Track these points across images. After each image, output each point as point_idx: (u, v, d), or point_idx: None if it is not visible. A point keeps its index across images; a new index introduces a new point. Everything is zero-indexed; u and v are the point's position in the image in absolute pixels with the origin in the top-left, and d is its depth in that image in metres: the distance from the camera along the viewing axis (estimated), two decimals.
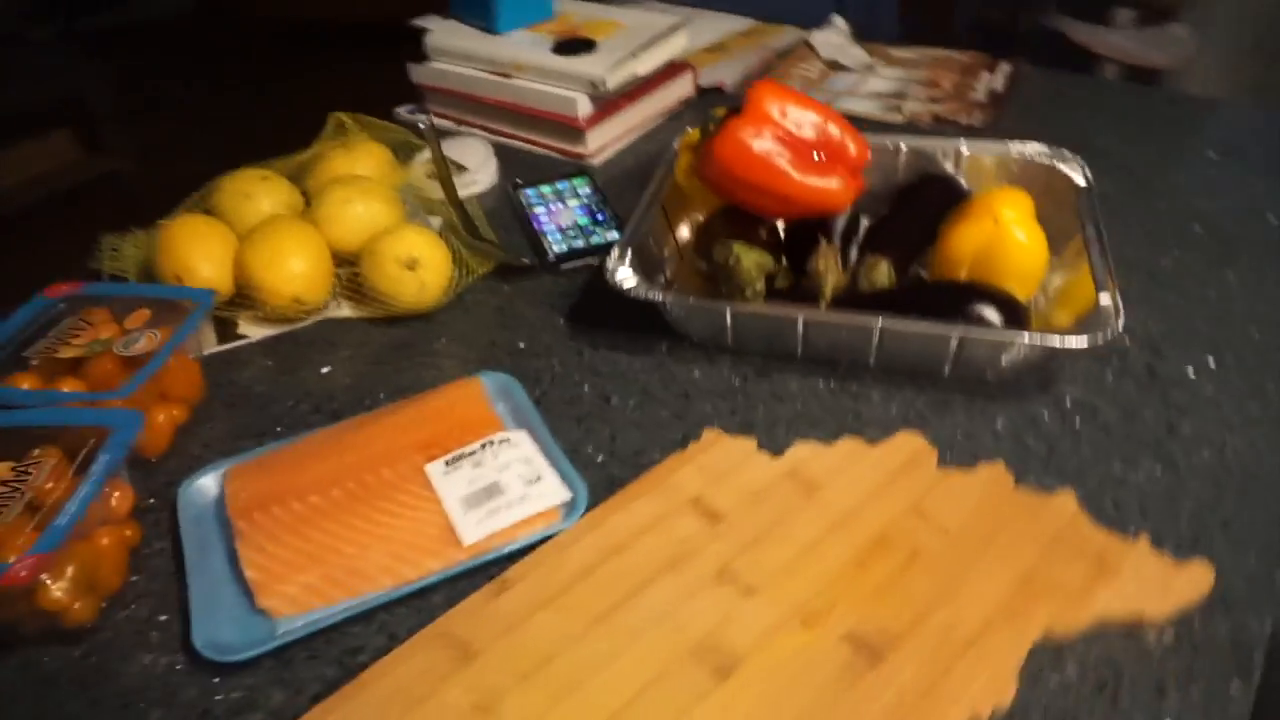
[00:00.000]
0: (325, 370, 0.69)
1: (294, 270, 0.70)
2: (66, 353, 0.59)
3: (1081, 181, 0.72)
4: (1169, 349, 0.66)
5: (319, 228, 0.74)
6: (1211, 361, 0.65)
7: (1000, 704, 0.44)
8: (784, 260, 0.68)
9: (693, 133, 0.80)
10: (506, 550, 0.52)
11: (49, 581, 0.47)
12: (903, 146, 0.78)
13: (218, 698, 0.47)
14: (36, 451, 0.51)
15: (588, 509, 0.54)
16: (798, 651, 0.46)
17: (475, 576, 0.52)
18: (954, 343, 0.60)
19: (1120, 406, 0.61)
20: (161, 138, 2.88)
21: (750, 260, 0.61)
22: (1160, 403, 0.61)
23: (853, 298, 0.66)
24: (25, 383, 0.57)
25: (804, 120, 0.65)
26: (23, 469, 0.50)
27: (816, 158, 0.65)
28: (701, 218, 0.77)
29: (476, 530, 0.52)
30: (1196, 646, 0.47)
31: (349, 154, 0.82)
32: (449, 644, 0.47)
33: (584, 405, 0.64)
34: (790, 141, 0.65)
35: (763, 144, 0.64)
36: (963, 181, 0.76)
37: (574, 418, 0.63)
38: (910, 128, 0.96)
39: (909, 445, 0.57)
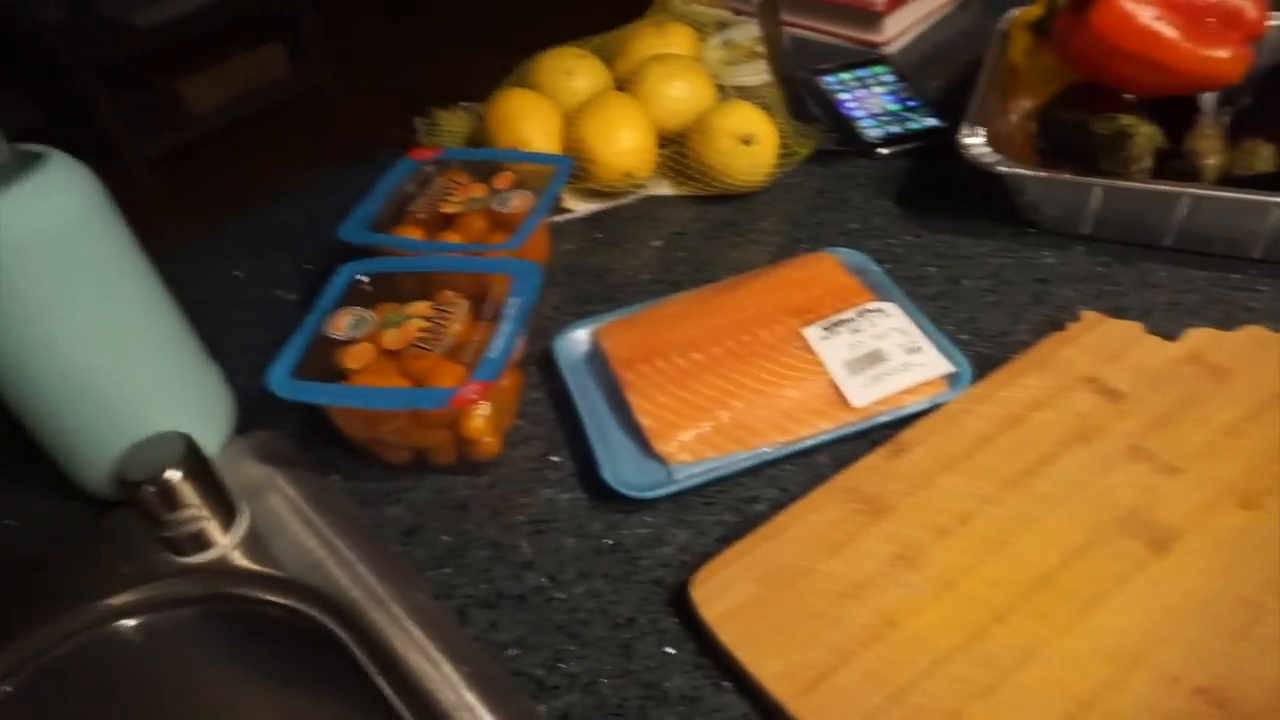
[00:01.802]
0: (657, 244, 0.70)
1: (626, 144, 0.71)
2: (447, 208, 0.61)
3: None
4: None
5: (643, 104, 0.74)
6: None
7: None
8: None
9: (1031, 9, 0.75)
10: (896, 415, 0.51)
11: (478, 410, 0.50)
12: (1275, 21, 0.70)
13: (624, 531, 0.49)
14: (448, 294, 0.54)
15: (971, 383, 0.53)
16: (1241, 530, 0.43)
17: (862, 440, 0.52)
18: None
19: None
20: (365, 48, 3.00)
21: (1144, 133, 0.57)
22: None
23: (1234, 180, 0.61)
24: (414, 233, 0.61)
25: None
26: (441, 306, 0.53)
27: (1209, 24, 0.60)
28: (1028, 104, 0.72)
29: (864, 394, 0.52)
30: None
31: (661, 33, 0.81)
32: (857, 498, 0.47)
33: (932, 285, 0.62)
34: (1180, 5, 0.59)
35: (1148, 10, 0.59)
36: None
37: (926, 297, 0.61)
38: None
39: None
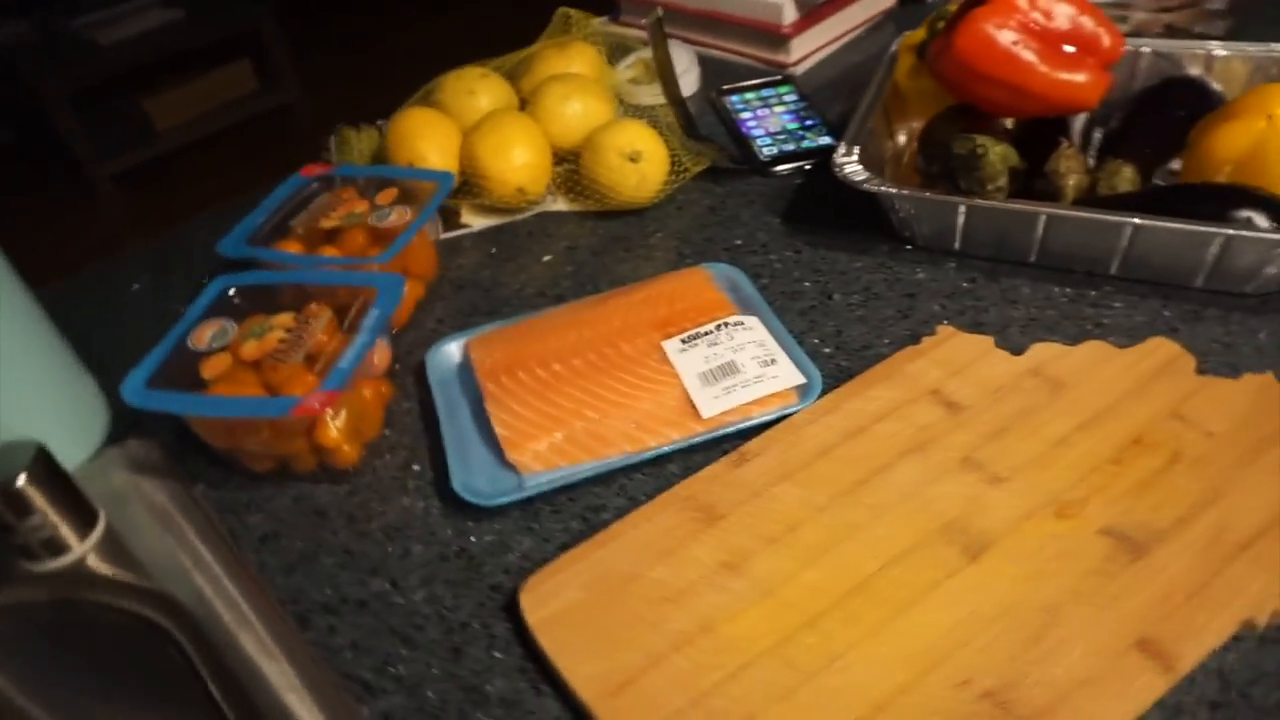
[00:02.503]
0: (547, 259, 0.71)
1: (519, 160, 0.72)
2: (326, 223, 0.63)
3: None
4: None
5: (540, 123, 0.75)
6: None
7: None
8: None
9: (915, 33, 0.77)
10: (744, 425, 0.53)
11: (330, 419, 0.51)
12: (1143, 49, 0.73)
13: (472, 539, 0.50)
14: (312, 306, 0.55)
15: (821, 394, 0.54)
16: (1053, 539, 0.45)
17: (711, 449, 0.53)
18: (1215, 248, 0.56)
19: None
20: (328, 70, 3.02)
21: (997, 153, 0.59)
22: None
23: (1094, 201, 0.63)
24: (292, 247, 0.62)
25: (1055, 10, 0.61)
26: (303, 319, 0.54)
27: (1067, 50, 0.62)
28: (918, 125, 0.74)
29: (714, 405, 0.53)
30: None
31: (563, 53, 0.83)
32: (694, 506, 0.48)
33: (806, 300, 0.63)
34: (1038, 32, 0.61)
35: (1008, 35, 0.61)
36: (1215, 86, 0.70)
37: (797, 311, 0.62)
38: (1137, 38, 0.89)
39: (1162, 350, 0.54)
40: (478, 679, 0.44)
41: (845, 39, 0.96)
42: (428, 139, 0.74)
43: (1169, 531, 0.45)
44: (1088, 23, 0.62)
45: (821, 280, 0.65)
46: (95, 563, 0.50)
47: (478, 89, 0.79)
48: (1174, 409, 0.50)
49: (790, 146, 0.78)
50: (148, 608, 0.48)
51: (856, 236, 0.68)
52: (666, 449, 0.52)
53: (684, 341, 0.56)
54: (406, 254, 0.63)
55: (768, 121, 0.82)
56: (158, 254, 0.77)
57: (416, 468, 0.55)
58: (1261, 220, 0.56)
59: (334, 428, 0.51)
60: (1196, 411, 0.50)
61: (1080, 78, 0.62)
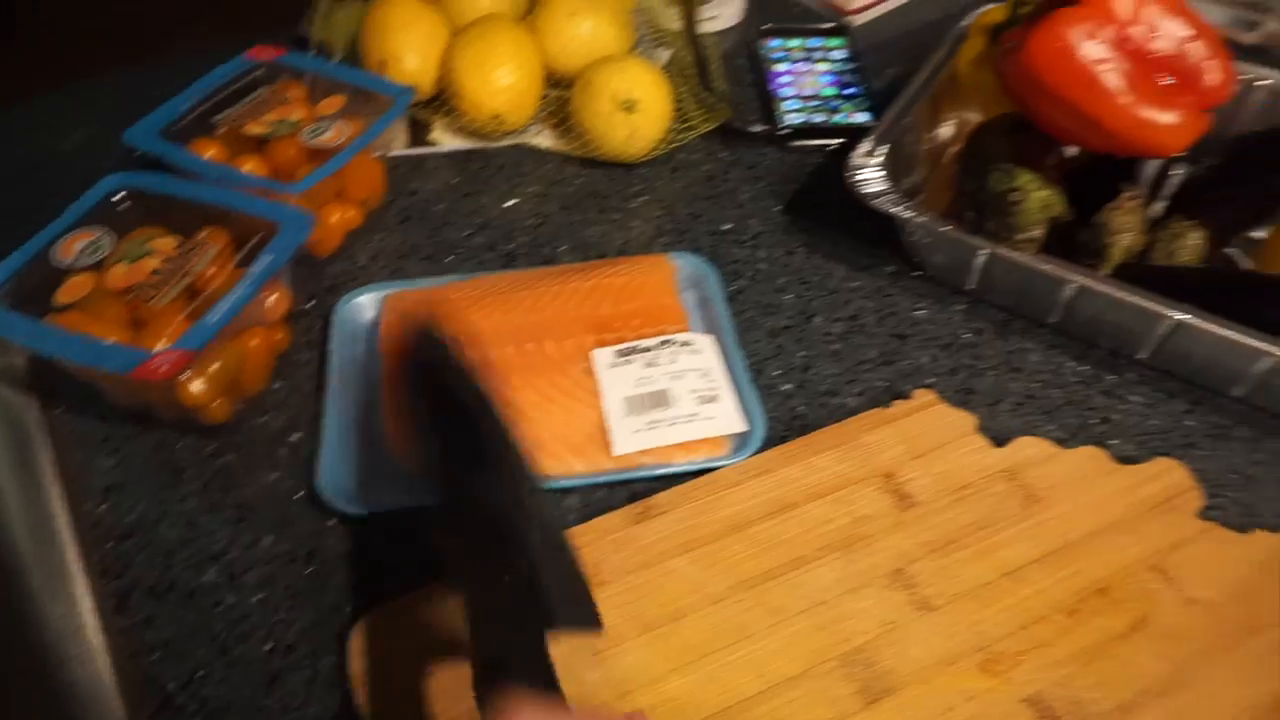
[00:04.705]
0: (510, 203, 0.62)
1: (501, 82, 0.62)
2: (253, 129, 0.54)
3: None
4: None
5: (538, 39, 0.65)
6: None
7: None
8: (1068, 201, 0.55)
9: (995, 10, 0.65)
10: (658, 472, 0.46)
11: (188, 378, 0.44)
12: (1256, 82, 0.60)
13: (330, 542, 0.44)
14: (204, 233, 0.48)
15: (761, 448, 0.46)
16: (967, 699, 0.38)
17: (618, 490, 0.46)
18: (1264, 364, 0.47)
19: None
20: None
21: (1037, 199, 0.49)
22: None
23: (1141, 268, 0.53)
24: (209, 151, 0.54)
25: (1162, 28, 0.50)
26: (189, 247, 0.47)
27: (1162, 82, 0.50)
28: (976, 119, 0.63)
29: (632, 440, 0.46)
30: None
31: None
32: None
33: (783, 316, 0.55)
34: (1132, 52, 0.50)
35: (1093, 48, 0.50)
36: None
37: (767, 329, 0.54)
38: (1263, 54, 0.76)
39: (1166, 476, 0.46)
40: (288, 716, 0.39)
41: None
42: (406, 36, 0.64)
43: (1107, 717, 0.38)
44: (1198, 50, 0.51)
45: (807, 294, 0.56)
46: None
47: None
48: (1158, 559, 0.42)
49: (819, 118, 0.68)
50: None
51: (862, 247, 0.59)
52: (566, 483, 0.45)
53: (618, 354, 0.48)
54: (343, 176, 0.55)
55: (804, 80, 0.71)
56: (55, 105, 0.69)
57: (294, 438, 0.48)
58: None
59: (195, 386, 0.45)
60: (1184, 568, 0.42)
61: (1169, 118, 0.51)
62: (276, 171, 0.54)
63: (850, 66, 0.73)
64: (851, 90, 0.70)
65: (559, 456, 0.45)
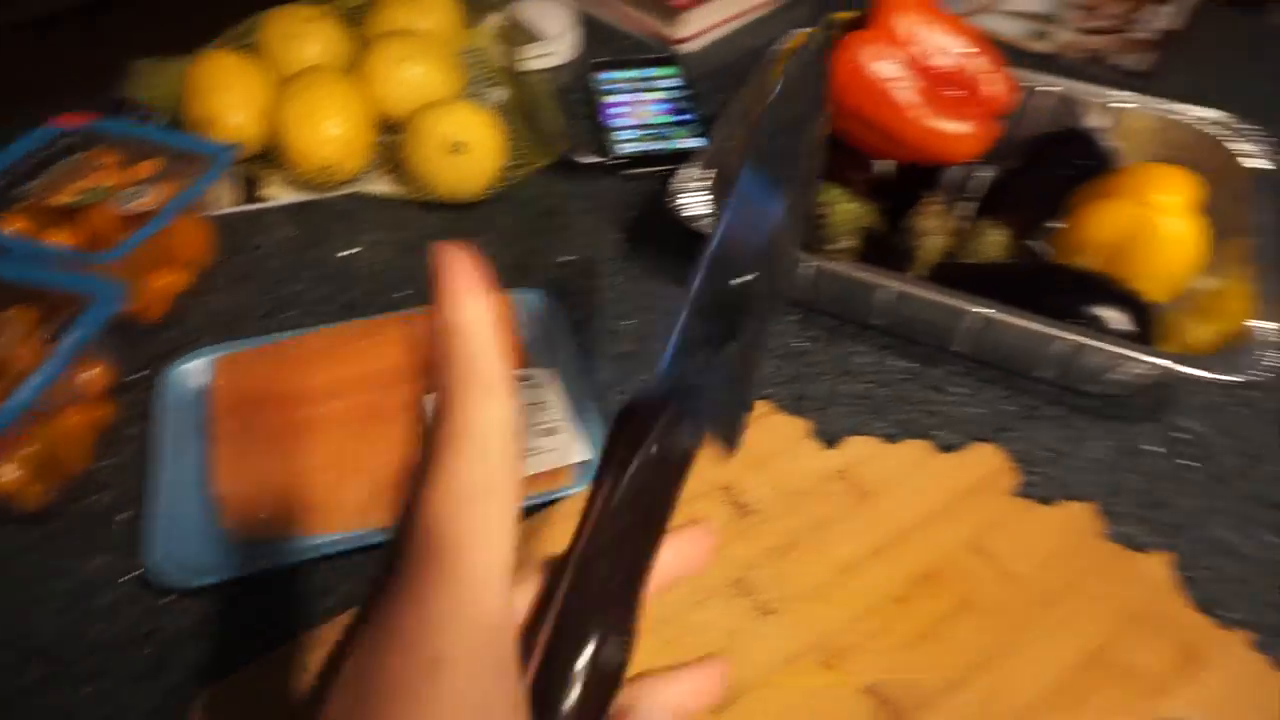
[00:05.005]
0: (350, 252, 0.62)
1: (329, 133, 0.62)
2: (60, 199, 0.53)
3: (1265, 163, 0.59)
4: None
5: (367, 86, 0.65)
6: None
7: None
8: (880, 209, 0.58)
9: (801, 35, 0.68)
10: None
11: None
12: (1042, 89, 0.65)
13: (166, 621, 0.43)
14: (10, 312, 0.46)
15: None
16: (810, 694, 0.40)
17: None
18: (1059, 346, 0.51)
19: (1244, 453, 0.52)
20: None
21: (844, 212, 0.52)
22: None
23: (953, 267, 0.56)
24: (13, 225, 0.52)
25: (944, 46, 0.54)
26: None
27: (949, 94, 0.54)
28: None
29: None
30: None
31: (415, 2, 0.72)
32: None
33: (623, 344, 0.56)
34: (921, 70, 0.54)
35: (885, 69, 0.53)
36: (1111, 143, 0.64)
37: (610, 356, 0.55)
38: (1053, 62, 0.82)
39: (985, 461, 0.49)
40: None
41: (748, 17, 0.86)
42: (229, 94, 0.63)
43: (937, 696, 0.40)
44: (980, 65, 0.55)
45: (648, 318, 0.58)
46: None
47: (305, 33, 0.68)
48: (978, 540, 0.45)
49: (652, 146, 0.70)
50: None
51: None
52: None
53: None
54: (165, 239, 0.54)
55: (638, 110, 0.73)
56: None
57: (123, 516, 0.47)
58: (1117, 320, 0.51)
59: (5, 473, 0.43)
60: (1001, 545, 0.45)
61: (959, 128, 0.55)
62: (92, 240, 0.52)
63: (682, 94, 0.75)
64: (684, 117, 0.73)
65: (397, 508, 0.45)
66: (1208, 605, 0.44)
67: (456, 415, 0.21)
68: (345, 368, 0.50)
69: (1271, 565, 0.46)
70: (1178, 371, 0.48)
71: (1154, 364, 0.48)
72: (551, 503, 0.46)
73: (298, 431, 0.47)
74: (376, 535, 0.44)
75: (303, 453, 0.46)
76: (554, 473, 0.47)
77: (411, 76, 0.66)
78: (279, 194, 0.66)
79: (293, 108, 0.62)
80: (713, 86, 0.77)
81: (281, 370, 0.50)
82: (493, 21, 0.77)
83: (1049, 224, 0.61)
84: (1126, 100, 0.63)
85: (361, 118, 0.64)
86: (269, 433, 0.47)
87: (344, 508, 0.45)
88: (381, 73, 0.66)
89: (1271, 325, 0.48)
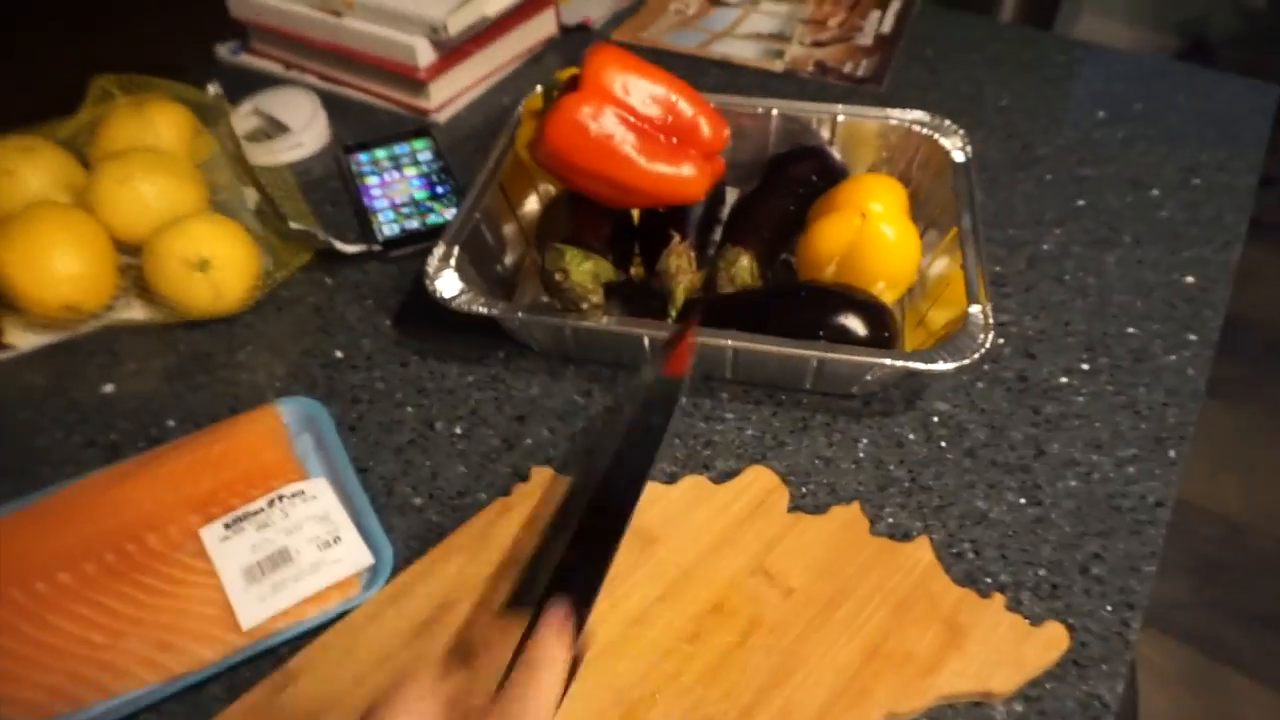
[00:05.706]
0: (107, 390, 0.59)
1: (62, 271, 0.59)
2: None
3: (960, 157, 0.66)
4: (1044, 351, 0.61)
5: (95, 213, 0.63)
6: (1085, 364, 0.61)
7: None
8: (634, 256, 0.61)
9: (537, 95, 0.71)
10: (293, 633, 0.45)
11: None
12: (774, 112, 0.70)
13: None
14: None
15: (394, 574, 0.47)
16: None
17: (261, 662, 0.45)
18: (812, 363, 0.54)
19: (989, 424, 0.57)
20: None
21: (582, 273, 0.54)
22: (1030, 418, 0.57)
23: (710, 300, 0.59)
24: None
25: (651, 96, 0.56)
26: None
27: (666, 140, 0.57)
28: (554, 189, 0.68)
29: (258, 610, 0.45)
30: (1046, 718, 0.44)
31: (139, 116, 0.69)
32: None
33: (404, 433, 0.56)
34: (636, 122, 0.56)
35: (603, 124, 0.56)
36: (837, 154, 0.69)
37: (392, 449, 0.55)
38: (790, 79, 0.88)
39: (758, 483, 0.52)
40: None
41: (497, 76, 0.88)
42: None
43: None
44: (686, 110, 0.58)
45: (425, 404, 0.58)
46: None
47: (19, 167, 0.65)
48: (758, 562, 0.48)
49: (414, 224, 0.70)
50: None
51: (474, 340, 0.62)
52: (199, 675, 0.44)
53: (227, 526, 0.47)
54: None
55: (395, 188, 0.73)
56: None
57: None
58: (857, 327, 0.55)
59: None
60: (780, 563, 0.48)
61: (684, 170, 0.58)
62: None
63: (437, 166, 0.76)
64: (442, 189, 0.74)
65: (181, 650, 0.44)
66: (971, 575, 0.49)
67: None
68: (101, 523, 0.48)
69: (1020, 524, 0.51)
70: (913, 368, 0.52)
71: (891, 365, 0.52)
72: (344, 614, 0.46)
73: (59, 600, 0.45)
74: (164, 690, 0.43)
75: (68, 620, 0.44)
76: (343, 583, 0.46)
77: (140, 196, 0.63)
78: (21, 341, 0.62)
79: (15, 250, 0.59)
80: (469, 153, 0.78)
81: (31, 538, 0.47)
82: (234, 122, 0.76)
83: (794, 241, 0.66)
84: (843, 111, 0.69)
85: (97, 248, 0.61)
86: (27, 609, 0.44)
87: (122, 666, 0.43)
88: (107, 196, 0.63)
89: (977, 308, 0.54)
